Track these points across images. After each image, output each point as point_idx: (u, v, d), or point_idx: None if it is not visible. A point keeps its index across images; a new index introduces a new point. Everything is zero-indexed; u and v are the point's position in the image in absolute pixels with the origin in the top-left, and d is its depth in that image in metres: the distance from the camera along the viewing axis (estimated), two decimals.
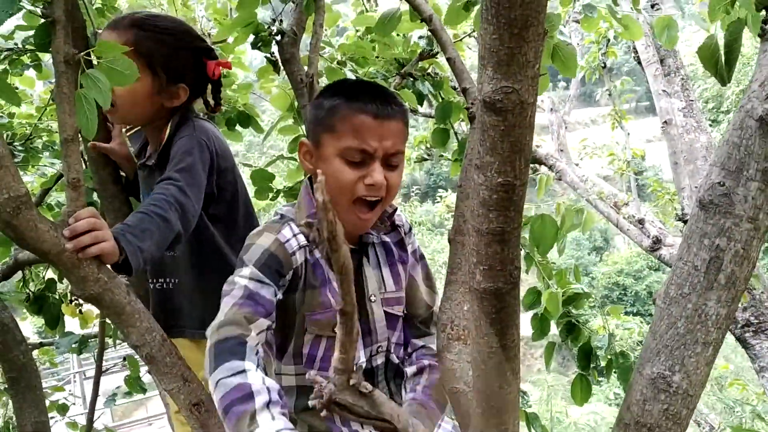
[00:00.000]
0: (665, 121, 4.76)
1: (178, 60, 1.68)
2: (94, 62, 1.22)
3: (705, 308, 1.07)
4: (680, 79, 4.78)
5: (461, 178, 1.63)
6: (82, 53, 1.17)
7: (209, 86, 1.82)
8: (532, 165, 6.02)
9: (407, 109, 1.41)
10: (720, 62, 1.14)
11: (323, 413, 0.75)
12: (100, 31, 1.67)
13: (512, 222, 1.11)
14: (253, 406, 1.08)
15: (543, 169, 6.33)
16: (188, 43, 1.72)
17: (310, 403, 0.77)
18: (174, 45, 1.68)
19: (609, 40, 5.89)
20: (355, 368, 0.73)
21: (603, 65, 6.09)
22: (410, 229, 1.60)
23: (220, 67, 1.78)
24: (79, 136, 1.26)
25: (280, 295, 1.30)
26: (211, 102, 1.84)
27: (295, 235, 1.34)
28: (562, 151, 6.39)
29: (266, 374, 1.16)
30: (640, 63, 5.01)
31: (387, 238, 1.51)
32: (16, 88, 2.54)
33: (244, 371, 1.13)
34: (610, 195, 6.11)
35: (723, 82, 1.11)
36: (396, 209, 1.51)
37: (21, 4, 1.15)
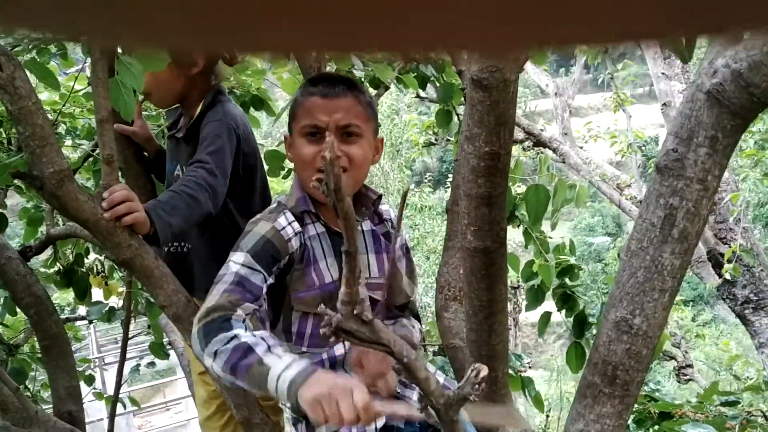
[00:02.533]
0: (664, 103, 4.86)
1: None
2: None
3: (661, 259, 1.21)
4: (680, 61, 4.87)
5: (457, 153, 1.77)
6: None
7: None
8: (536, 147, 6.13)
9: (362, 89, 1.52)
10: (681, 42, 1.26)
11: (331, 339, 0.89)
12: None
13: (498, 187, 1.26)
14: (257, 356, 1.19)
15: (548, 152, 6.44)
16: None
17: (321, 330, 0.91)
18: None
19: None
20: (358, 301, 0.87)
21: (605, 49, 6.14)
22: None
23: None
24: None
25: (271, 280, 1.40)
26: (227, 55, 1.93)
27: (290, 223, 1.46)
28: (566, 134, 6.49)
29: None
30: (640, 46, 5.09)
31: (375, 228, 1.61)
32: None
33: (235, 336, 1.24)
34: (613, 177, 6.21)
35: (684, 60, 1.24)
36: (380, 197, 1.59)
37: None
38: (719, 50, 1.18)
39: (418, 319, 1.66)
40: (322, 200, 1.47)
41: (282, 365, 1.16)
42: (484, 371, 0.97)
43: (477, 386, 0.97)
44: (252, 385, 1.20)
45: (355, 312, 0.86)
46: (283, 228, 1.44)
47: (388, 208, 1.64)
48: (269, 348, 1.21)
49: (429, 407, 0.99)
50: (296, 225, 1.46)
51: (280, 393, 1.14)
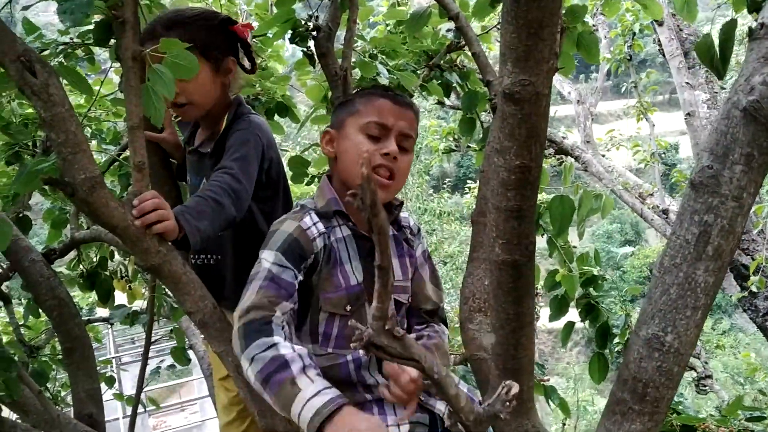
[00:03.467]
0: (688, 113, 4.82)
1: (216, 36, 1.83)
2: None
3: (695, 277, 1.20)
4: (704, 71, 4.83)
5: (483, 164, 1.77)
6: (149, 50, 1.33)
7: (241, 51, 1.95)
8: (558, 155, 6.10)
9: (419, 110, 1.60)
10: (715, 58, 1.26)
11: (362, 353, 0.89)
12: None
13: (528, 200, 1.25)
14: (292, 373, 1.22)
15: (570, 159, 6.40)
16: (214, 19, 1.86)
17: (352, 345, 0.90)
18: (207, 26, 1.82)
19: (635, 33, 5.95)
20: (389, 316, 0.87)
21: (629, 57, 6.15)
22: (419, 230, 1.74)
23: (248, 30, 1.92)
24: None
25: (301, 277, 1.44)
26: (247, 65, 1.95)
27: (314, 223, 1.50)
28: (588, 142, 6.46)
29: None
30: (664, 56, 5.06)
31: (396, 233, 1.65)
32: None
33: (275, 344, 1.27)
34: (635, 186, 6.17)
35: (719, 76, 1.23)
36: (402, 203, 1.65)
37: (96, 4, 1.31)
38: (756, 66, 1.17)
39: (446, 325, 1.67)
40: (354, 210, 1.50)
41: (312, 390, 1.18)
42: (515, 389, 0.97)
43: (508, 403, 0.96)
44: (278, 402, 1.21)
45: (386, 327, 0.86)
46: (308, 228, 1.48)
47: (407, 215, 1.69)
48: (304, 368, 1.23)
49: (458, 423, 0.99)
50: (320, 226, 1.49)
51: (303, 419, 1.16)
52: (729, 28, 1.25)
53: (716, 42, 1.26)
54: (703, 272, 1.19)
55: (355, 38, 2.53)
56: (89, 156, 1.30)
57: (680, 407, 2.40)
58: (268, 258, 1.43)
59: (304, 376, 1.22)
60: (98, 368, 3.21)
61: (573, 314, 2.37)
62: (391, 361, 0.91)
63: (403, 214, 1.68)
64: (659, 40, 5.10)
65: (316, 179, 2.50)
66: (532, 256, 1.32)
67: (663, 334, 1.22)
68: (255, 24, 2.43)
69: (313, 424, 1.14)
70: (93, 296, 3.08)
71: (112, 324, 3.00)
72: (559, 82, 7.19)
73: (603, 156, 6.68)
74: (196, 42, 1.73)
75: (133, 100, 1.35)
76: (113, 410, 7.55)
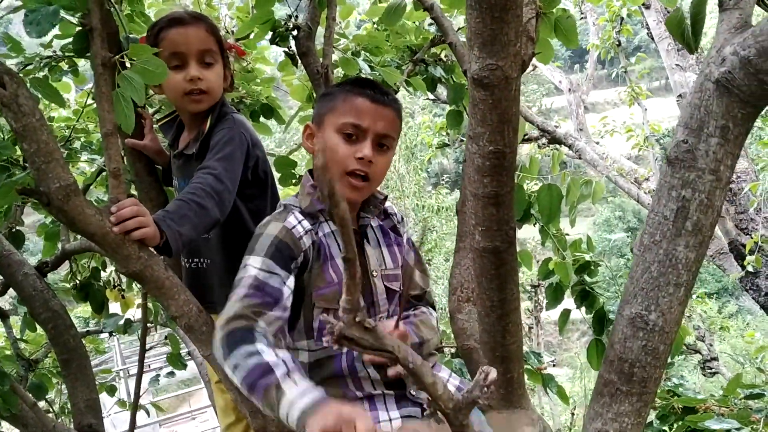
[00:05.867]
0: (680, 95, 4.80)
1: (223, 43, 1.85)
2: (127, 64, 1.37)
3: (675, 253, 1.19)
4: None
5: (464, 153, 1.75)
6: (116, 56, 1.32)
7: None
8: (551, 144, 6.09)
9: (401, 106, 1.56)
10: (687, 32, 1.25)
11: (335, 347, 0.88)
12: (132, 36, 1.82)
13: (505, 186, 1.24)
14: (276, 378, 1.20)
15: (563, 149, 6.39)
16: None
17: (324, 340, 0.90)
18: (219, 33, 1.84)
19: (623, 18, 5.92)
20: (359, 308, 0.86)
21: (618, 43, 6.12)
22: (402, 219, 1.73)
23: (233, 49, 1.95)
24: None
25: (291, 281, 1.41)
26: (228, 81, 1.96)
27: (299, 222, 1.47)
28: (581, 130, 6.44)
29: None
30: (653, 39, 5.04)
31: (382, 223, 1.64)
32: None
33: (257, 352, 1.25)
34: (630, 171, 6.15)
35: (690, 50, 1.22)
36: (386, 197, 1.63)
37: (62, 15, 1.30)
38: (726, 37, 1.16)
39: (434, 308, 1.66)
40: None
41: (297, 392, 1.16)
42: (493, 374, 0.96)
43: (486, 389, 0.95)
44: (265, 405, 1.21)
45: (357, 319, 0.85)
46: (294, 227, 1.45)
47: (390, 204, 1.68)
48: (288, 372, 1.22)
49: (438, 412, 0.98)
50: (306, 223, 1.47)
51: (291, 420, 1.15)
52: (699, 2, 1.24)
53: (687, 16, 1.24)
54: (684, 248, 1.18)
55: (337, 36, 2.53)
56: (63, 165, 1.30)
57: (680, 390, 2.39)
58: (254, 264, 1.40)
59: (288, 380, 1.20)
60: (101, 377, 3.23)
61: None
62: (364, 353, 0.90)
63: (387, 204, 1.66)
64: (647, 24, 5.08)
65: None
66: (512, 242, 1.32)
67: (646, 313, 1.21)
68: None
69: (302, 422, 1.14)
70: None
71: (112, 334, 3.00)
72: (551, 72, 7.18)
73: (597, 143, 6.67)
74: (218, 37, 1.76)
75: (105, 107, 1.35)
76: (124, 422, 7.54)
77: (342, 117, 1.46)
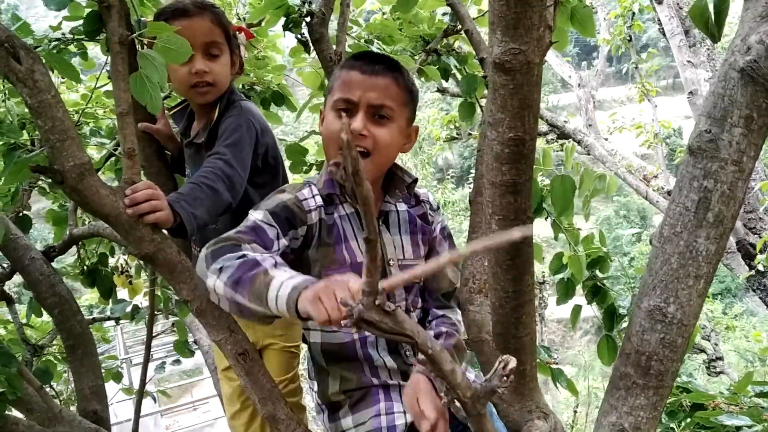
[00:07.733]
0: (690, 92, 4.77)
1: (229, 31, 1.84)
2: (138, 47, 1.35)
3: (696, 245, 1.17)
4: (706, 49, 4.77)
5: (479, 142, 1.73)
6: (135, 34, 1.30)
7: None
8: (560, 140, 6.06)
9: (404, 71, 1.49)
10: (710, 21, 1.22)
11: (354, 330, 0.86)
12: (144, 19, 1.81)
13: (523, 174, 1.22)
14: (264, 267, 1.18)
15: (572, 143, 6.36)
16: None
17: (342, 322, 0.88)
18: (225, 20, 1.82)
19: (634, 14, 5.88)
20: (379, 290, 0.84)
21: (629, 38, 6.08)
22: (438, 207, 1.67)
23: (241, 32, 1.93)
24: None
25: (285, 241, 1.39)
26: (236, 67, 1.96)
27: (313, 196, 1.46)
28: (590, 126, 6.41)
29: None
30: (664, 35, 5.01)
31: (408, 209, 1.59)
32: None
33: (244, 254, 1.23)
34: (639, 168, 6.12)
35: (714, 40, 1.20)
36: (416, 180, 1.58)
37: None
38: (752, 26, 1.14)
39: (460, 307, 1.62)
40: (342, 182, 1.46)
41: (287, 275, 1.14)
42: (512, 363, 0.94)
43: (505, 378, 0.94)
44: (252, 297, 1.17)
45: (377, 302, 0.83)
46: (306, 199, 1.45)
47: (426, 191, 1.63)
48: (276, 264, 1.20)
49: (455, 400, 0.96)
50: (318, 199, 1.46)
51: (280, 300, 1.11)
52: None
53: (711, 5, 1.22)
54: (705, 240, 1.16)
55: (351, 24, 2.51)
56: (77, 143, 1.28)
57: (690, 386, 2.37)
58: (256, 215, 1.39)
59: (276, 269, 1.17)
60: (106, 364, 3.22)
61: (582, 299, 2.34)
62: (383, 337, 0.88)
63: (422, 190, 1.62)
64: (659, 19, 5.04)
65: (315, 167, 2.47)
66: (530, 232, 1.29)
67: (665, 305, 1.19)
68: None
69: (292, 299, 1.09)
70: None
71: (118, 321, 2.99)
72: (560, 67, 7.15)
73: (606, 140, 6.63)
74: (223, 27, 1.74)
75: (121, 86, 1.34)
76: (127, 411, 7.56)
77: (335, 94, 1.44)
